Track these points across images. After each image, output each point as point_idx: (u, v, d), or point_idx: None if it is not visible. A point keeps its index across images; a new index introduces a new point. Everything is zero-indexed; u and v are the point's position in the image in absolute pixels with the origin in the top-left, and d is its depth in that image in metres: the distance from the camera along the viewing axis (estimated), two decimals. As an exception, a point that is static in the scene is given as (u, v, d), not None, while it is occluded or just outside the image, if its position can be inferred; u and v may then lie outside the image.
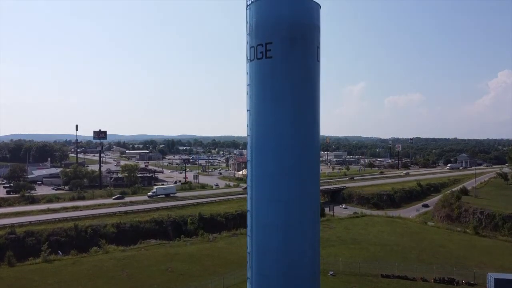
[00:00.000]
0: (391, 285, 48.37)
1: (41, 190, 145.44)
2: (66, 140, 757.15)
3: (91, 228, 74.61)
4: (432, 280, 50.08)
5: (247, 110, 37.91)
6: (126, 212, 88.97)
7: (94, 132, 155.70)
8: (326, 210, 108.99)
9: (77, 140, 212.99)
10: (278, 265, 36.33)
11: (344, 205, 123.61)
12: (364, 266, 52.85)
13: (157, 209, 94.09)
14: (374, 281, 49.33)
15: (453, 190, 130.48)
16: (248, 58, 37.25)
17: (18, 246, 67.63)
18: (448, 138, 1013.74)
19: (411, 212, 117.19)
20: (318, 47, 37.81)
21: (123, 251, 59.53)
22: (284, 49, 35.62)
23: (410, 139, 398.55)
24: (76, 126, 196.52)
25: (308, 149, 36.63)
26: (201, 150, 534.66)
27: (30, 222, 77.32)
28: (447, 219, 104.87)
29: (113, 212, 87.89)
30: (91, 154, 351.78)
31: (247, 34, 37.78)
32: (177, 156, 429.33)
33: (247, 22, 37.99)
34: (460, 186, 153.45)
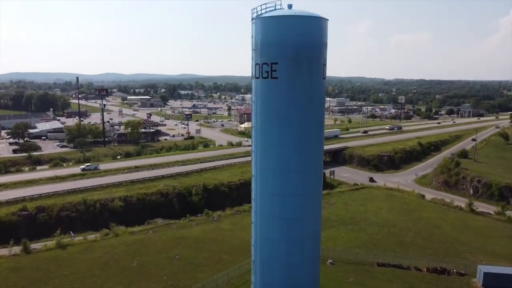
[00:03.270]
0: (386, 275, 51.27)
1: (46, 147, 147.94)
2: (66, 81, 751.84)
3: (99, 202, 77.38)
4: (425, 270, 52.97)
5: (252, 126, 38.23)
6: (132, 182, 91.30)
7: (96, 89, 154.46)
8: (327, 173, 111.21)
9: (78, 93, 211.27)
10: (280, 275, 38.76)
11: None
12: (362, 253, 55.52)
13: (163, 177, 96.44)
14: (371, 270, 52.22)
15: (452, 153, 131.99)
16: (253, 75, 36.90)
17: (31, 223, 70.88)
18: (453, 81, 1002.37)
19: (410, 175, 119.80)
20: (325, 64, 37.25)
21: (132, 234, 62.35)
22: (290, 69, 35.27)
23: (414, 88, 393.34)
24: (77, 78, 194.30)
25: (311, 169, 37.50)
26: (203, 95, 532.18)
27: (40, 195, 79.80)
28: (444, 185, 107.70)
29: (119, 182, 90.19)
30: (93, 101, 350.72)
31: (252, 49, 37.10)
32: (178, 101, 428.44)
33: (252, 37, 37.16)
34: (459, 145, 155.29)
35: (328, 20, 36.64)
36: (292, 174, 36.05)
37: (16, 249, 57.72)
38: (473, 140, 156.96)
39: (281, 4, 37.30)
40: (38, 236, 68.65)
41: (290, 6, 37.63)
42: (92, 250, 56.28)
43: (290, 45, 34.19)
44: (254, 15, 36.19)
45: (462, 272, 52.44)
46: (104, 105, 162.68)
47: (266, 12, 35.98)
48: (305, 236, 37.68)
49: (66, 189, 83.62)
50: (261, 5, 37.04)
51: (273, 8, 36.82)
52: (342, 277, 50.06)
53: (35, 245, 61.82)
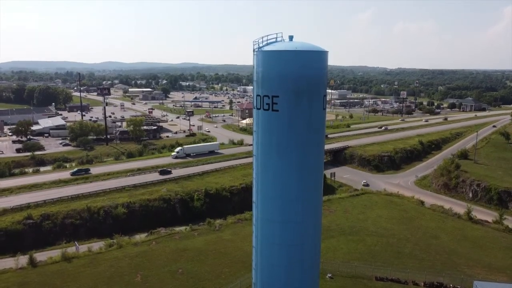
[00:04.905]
0: (384, 290, 52.56)
1: (49, 146, 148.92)
2: (67, 71, 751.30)
3: (103, 209, 78.57)
4: (422, 284, 54.21)
5: (254, 155, 39.02)
6: (135, 186, 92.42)
7: (98, 88, 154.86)
8: (328, 175, 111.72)
9: (80, 88, 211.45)
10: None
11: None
12: (360, 266, 56.70)
13: (165, 181, 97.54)
14: (369, 285, 53.45)
15: (453, 154, 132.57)
16: (255, 105, 37.46)
17: (36, 231, 72.18)
18: (456, 70, 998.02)
19: (410, 177, 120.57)
20: (325, 95, 37.75)
21: (136, 246, 63.56)
22: (291, 102, 35.79)
23: (416, 82, 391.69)
24: (79, 74, 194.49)
25: (310, 197, 38.34)
26: (204, 86, 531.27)
27: (44, 201, 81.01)
28: (444, 188, 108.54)
29: (122, 186, 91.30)
30: (94, 93, 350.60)
31: (253, 80, 37.65)
32: (180, 93, 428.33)
33: (253, 68, 37.65)
34: (460, 144, 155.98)
35: (328, 51, 37.16)
36: (292, 203, 36.88)
37: (23, 260, 59.02)
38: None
39: (282, 36, 37.80)
40: (43, 245, 70.24)
41: (291, 38, 38.06)
42: (97, 263, 57.56)
43: (291, 79, 34.67)
44: (256, 47, 36.66)
45: (458, 287, 53.60)
46: (106, 103, 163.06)
47: (267, 45, 36.45)
48: (305, 260, 38.69)
49: (70, 195, 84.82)
50: (262, 37, 37.50)
51: (275, 40, 37.40)
52: (341, 292, 51.33)
53: (40, 255, 63.39)
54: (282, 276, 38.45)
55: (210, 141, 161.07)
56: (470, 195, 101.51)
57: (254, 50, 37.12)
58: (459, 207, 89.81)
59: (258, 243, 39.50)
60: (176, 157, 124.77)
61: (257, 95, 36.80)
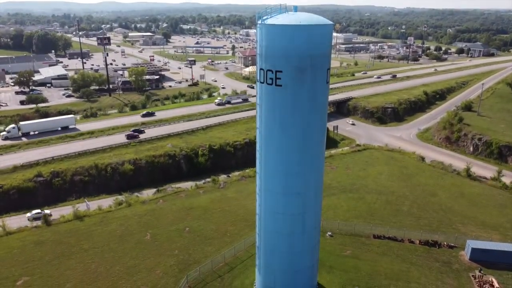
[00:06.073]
0: (381, 247, 55.19)
1: (52, 97, 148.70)
2: (64, 13, 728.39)
3: (110, 166, 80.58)
4: (418, 242, 56.84)
5: (257, 128, 39.65)
6: (140, 142, 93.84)
7: (98, 38, 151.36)
8: (330, 128, 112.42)
9: (80, 42, 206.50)
10: (282, 262, 42.47)
11: (351, 121, 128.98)
12: (359, 225, 59.17)
13: (169, 135, 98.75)
14: (367, 243, 56.09)
15: (456, 106, 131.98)
16: (258, 79, 37.47)
17: (46, 188, 74.70)
18: (467, 10, 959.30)
19: (413, 129, 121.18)
20: (329, 69, 37.61)
21: (144, 204, 66.08)
22: (294, 78, 35.94)
23: (424, 26, 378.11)
24: (77, 21, 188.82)
25: (312, 171, 39.45)
26: (206, 29, 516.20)
27: (53, 157, 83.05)
28: (446, 141, 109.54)
29: (127, 142, 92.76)
30: (93, 38, 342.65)
31: (257, 54, 37.32)
32: (181, 37, 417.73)
33: (257, 41, 37.26)
34: (465, 94, 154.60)
35: (333, 24, 36.30)
36: (294, 175, 38.05)
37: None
38: None
39: (286, 7, 36.68)
40: (55, 201, 73.17)
41: (295, 9, 37.01)
42: (108, 221, 60.28)
43: (295, 55, 34.30)
44: (259, 20, 35.78)
45: (452, 244, 56.18)
46: (107, 53, 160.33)
47: (271, 17, 35.55)
48: (306, 228, 40.64)
49: (77, 151, 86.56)
50: (265, 9, 36.46)
51: (278, 11, 36.38)
52: (340, 250, 54.01)
53: (52, 211, 66.48)
54: (284, 242, 40.58)
55: (213, 92, 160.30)
56: (471, 149, 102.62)
57: (257, 23, 36.32)
58: (459, 161, 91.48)
59: (261, 211, 41.27)
60: (6, 138, 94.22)
61: (261, 69, 36.57)
